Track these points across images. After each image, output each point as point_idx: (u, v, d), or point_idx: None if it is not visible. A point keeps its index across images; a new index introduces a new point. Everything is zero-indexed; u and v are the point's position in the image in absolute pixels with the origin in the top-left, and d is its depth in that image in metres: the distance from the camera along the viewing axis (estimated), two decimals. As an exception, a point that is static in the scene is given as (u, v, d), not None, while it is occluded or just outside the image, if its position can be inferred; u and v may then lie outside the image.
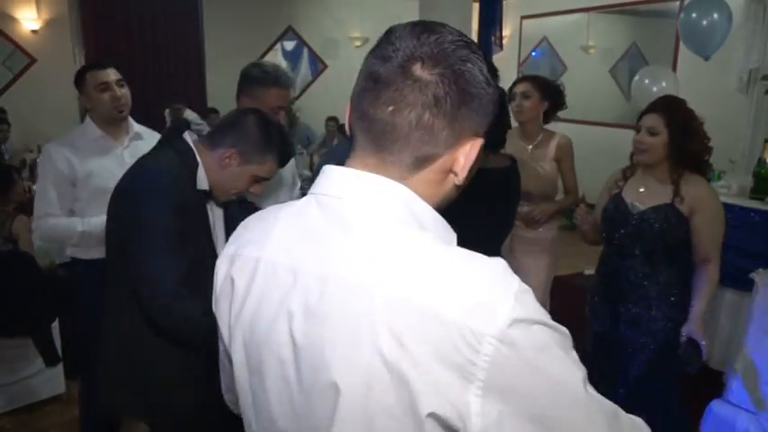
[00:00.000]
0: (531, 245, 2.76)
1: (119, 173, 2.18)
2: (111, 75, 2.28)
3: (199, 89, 6.55)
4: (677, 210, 2.03)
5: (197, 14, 6.76)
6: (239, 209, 1.65)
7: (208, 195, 1.55)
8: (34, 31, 6.23)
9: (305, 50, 7.63)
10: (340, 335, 0.66)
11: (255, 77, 2.04)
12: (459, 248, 0.69)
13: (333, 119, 6.51)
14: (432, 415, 0.62)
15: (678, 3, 5.30)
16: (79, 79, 2.29)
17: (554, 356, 0.63)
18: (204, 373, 1.45)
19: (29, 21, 6.19)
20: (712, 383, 2.69)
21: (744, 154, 4.48)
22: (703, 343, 1.96)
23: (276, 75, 2.06)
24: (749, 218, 2.85)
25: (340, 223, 0.71)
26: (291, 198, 2.25)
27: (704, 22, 3.86)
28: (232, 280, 0.80)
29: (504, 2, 4.04)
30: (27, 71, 6.23)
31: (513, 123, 2.48)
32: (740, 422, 2.33)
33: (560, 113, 2.80)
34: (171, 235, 1.38)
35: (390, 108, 0.69)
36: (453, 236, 0.74)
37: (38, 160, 2.38)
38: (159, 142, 1.58)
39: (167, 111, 6.05)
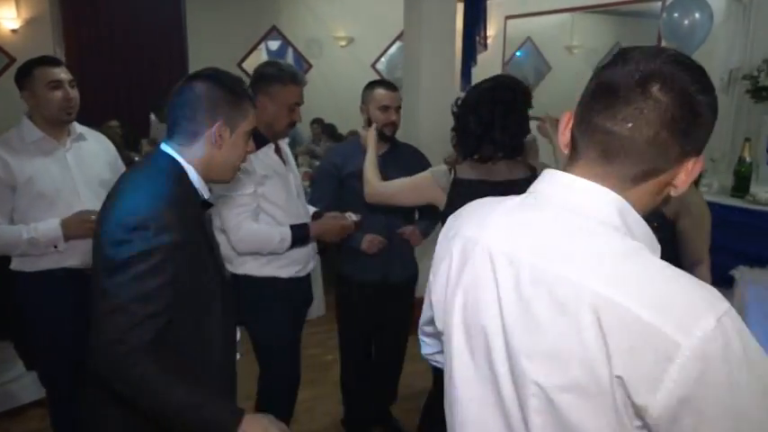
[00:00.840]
0: None
1: (61, 177, 2.16)
2: (63, 73, 2.17)
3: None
4: (660, 213, 2.02)
5: (180, 14, 6.74)
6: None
7: (205, 204, 1.43)
8: (14, 31, 6.17)
9: (289, 50, 7.63)
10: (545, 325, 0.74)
11: (273, 75, 2.13)
12: (669, 264, 0.75)
13: (318, 120, 6.49)
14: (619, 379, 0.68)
15: (660, 3, 5.38)
16: (24, 74, 2.13)
17: (749, 378, 0.67)
18: None
19: (8, 20, 6.14)
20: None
21: (724, 153, 4.56)
22: None
23: (293, 72, 2.18)
24: (729, 216, 2.91)
25: (557, 221, 0.78)
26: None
27: (686, 22, 3.92)
28: (451, 257, 0.90)
29: (488, 1, 4.07)
30: (6, 71, 6.17)
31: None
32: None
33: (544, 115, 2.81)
34: (158, 274, 1.21)
35: (629, 125, 0.75)
36: (658, 248, 0.82)
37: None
38: (148, 162, 1.43)
39: (152, 114, 6.00)
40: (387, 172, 2.27)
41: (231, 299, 1.49)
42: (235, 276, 2.22)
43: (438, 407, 1.83)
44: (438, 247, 0.98)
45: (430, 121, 3.70)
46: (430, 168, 2.09)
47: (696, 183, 2.17)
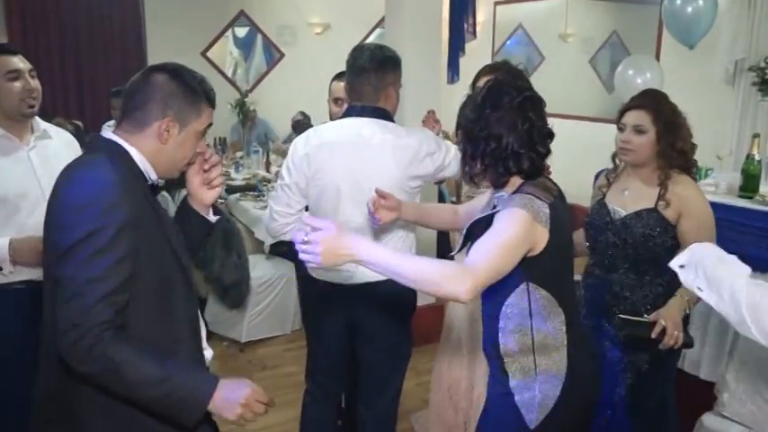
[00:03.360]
0: None
1: (26, 179, 2.09)
2: (22, 63, 2.11)
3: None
4: (661, 215, 2.05)
5: (137, -3, 6.61)
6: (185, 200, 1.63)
7: (154, 189, 1.48)
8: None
9: (259, 38, 7.55)
10: None
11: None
12: None
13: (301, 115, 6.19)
14: None
15: (661, -12, 5.43)
16: None
17: None
18: None
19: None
20: (703, 396, 2.74)
21: (731, 150, 4.60)
22: (677, 333, 1.91)
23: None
24: (738, 218, 2.91)
25: None
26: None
27: (689, 9, 3.95)
28: None
29: (476, -14, 4.08)
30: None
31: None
32: (732, 436, 2.38)
33: None
34: (114, 256, 1.25)
35: None
36: None
37: None
38: (86, 150, 1.51)
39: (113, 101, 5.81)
40: None
41: (193, 288, 1.54)
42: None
43: None
44: None
45: (415, 116, 3.67)
46: (513, 207, 1.55)
47: (694, 179, 2.19)
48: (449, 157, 2.25)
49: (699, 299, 1.78)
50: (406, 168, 2.16)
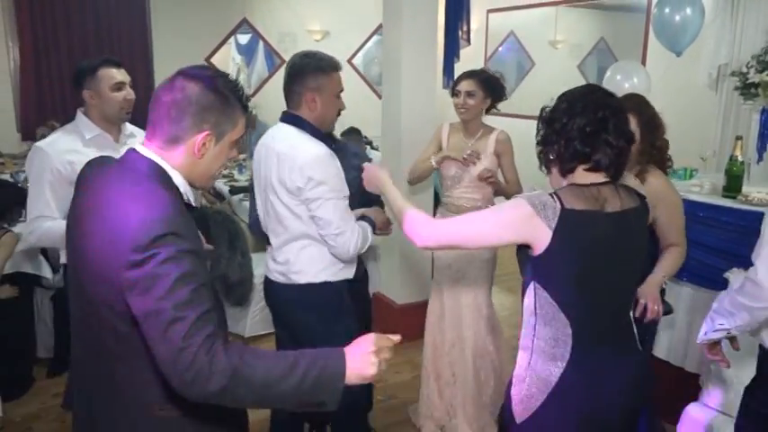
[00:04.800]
0: None
1: None
2: (123, 75, 2.39)
3: (146, 86, 6.39)
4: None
5: (143, 5, 6.61)
6: (219, 218, 1.60)
7: (190, 208, 1.37)
8: (-39, 23, 6.00)
9: (260, 44, 7.55)
10: None
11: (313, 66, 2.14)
12: None
13: None
14: None
15: (647, -3, 5.44)
16: (88, 73, 2.34)
17: None
18: None
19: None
20: (689, 387, 2.76)
21: (715, 151, 4.62)
22: (656, 307, 2.07)
23: (331, 60, 2.17)
24: (722, 217, 2.93)
25: None
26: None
27: (677, 18, 3.97)
28: None
29: (470, -6, 4.07)
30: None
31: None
32: (717, 425, 2.40)
33: (526, 112, 2.90)
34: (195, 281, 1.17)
35: None
36: None
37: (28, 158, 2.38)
38: (128, 169, 1.31)
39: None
40: None
41: (217, 295, 1.46)
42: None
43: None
44: None
45: (411, 119, 3.67)
46: (521, 195, 1.56)
47: (666, 173, 2.35)
48: (325, 195, 2.07)
49: (674, 273, 1.99)
50: (280, 176, 2.11)
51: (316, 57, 2.15)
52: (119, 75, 2.37)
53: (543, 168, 1.64)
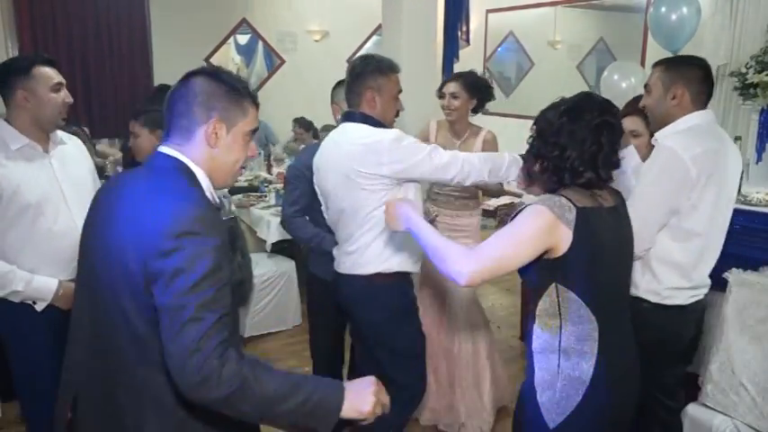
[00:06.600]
0: (455, 231, 2.93)
1: (48, 185, 2.09)
2: (60, 75, 2.13)
3: (146, 86, 6.38)
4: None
5: (143, 5, 6.59)
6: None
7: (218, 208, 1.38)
8: (-39, 25, 5.98)
9: (260, 45, 7.53)
10: None
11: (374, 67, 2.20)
12: None
13: (299, 120, 6.18)
14: None
15: (645, -3, 5.43)
16: (20, 72, 2.03)
17: None
18: None
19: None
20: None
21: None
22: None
23: (390, 62, 2.24)
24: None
25: None
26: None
27: (673, 17, 3.96)
28: None
29: (469, -5, 4.07)
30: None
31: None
32: (717, 425, 2.39)
33: (526, 112, 2.93)
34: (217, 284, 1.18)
35: None
36: None
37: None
38: (153, 168, 1.33)
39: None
40: None
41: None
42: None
43: None
44: None
45: (411, 120, 3.66)
46: (538, 202, 1.55)
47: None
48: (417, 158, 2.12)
49: None
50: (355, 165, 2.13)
51: (374, 59, 2.24)
52: (56, 75, 2.09)
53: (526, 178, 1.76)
